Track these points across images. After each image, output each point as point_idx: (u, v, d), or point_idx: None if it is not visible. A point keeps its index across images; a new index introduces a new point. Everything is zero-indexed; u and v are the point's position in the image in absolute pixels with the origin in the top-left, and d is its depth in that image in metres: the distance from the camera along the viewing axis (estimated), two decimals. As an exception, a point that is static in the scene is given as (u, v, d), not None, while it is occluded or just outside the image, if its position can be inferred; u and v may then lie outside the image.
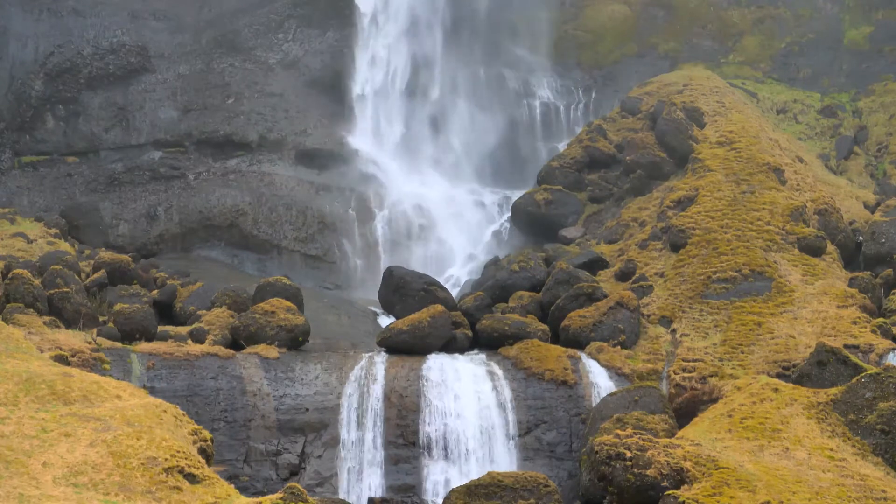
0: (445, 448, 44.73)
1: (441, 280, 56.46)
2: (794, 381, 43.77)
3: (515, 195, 66.45)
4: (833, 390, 41.35)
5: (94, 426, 33.34)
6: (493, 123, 73.79)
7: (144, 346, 45.51)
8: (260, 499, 32.21)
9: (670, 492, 36.00)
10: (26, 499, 29.36)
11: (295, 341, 47.56)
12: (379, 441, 44.87)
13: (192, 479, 31.93)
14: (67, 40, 68.95)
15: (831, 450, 38.87)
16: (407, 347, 47.76)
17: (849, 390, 40.72)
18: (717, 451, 38.28)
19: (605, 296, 50.78)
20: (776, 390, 42.00)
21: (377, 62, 73.49)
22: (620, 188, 63.06)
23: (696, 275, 52.31)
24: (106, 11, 70.11)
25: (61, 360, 41.24)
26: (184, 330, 47.90)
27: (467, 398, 45.58)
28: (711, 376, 46.57)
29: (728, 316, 49.87)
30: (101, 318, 47.75)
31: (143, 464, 31.68)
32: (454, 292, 56.80)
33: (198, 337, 47.02)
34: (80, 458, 31.65)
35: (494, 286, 53.76)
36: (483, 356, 48.12)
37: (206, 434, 36.29)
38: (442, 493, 43.08)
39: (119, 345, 45.17)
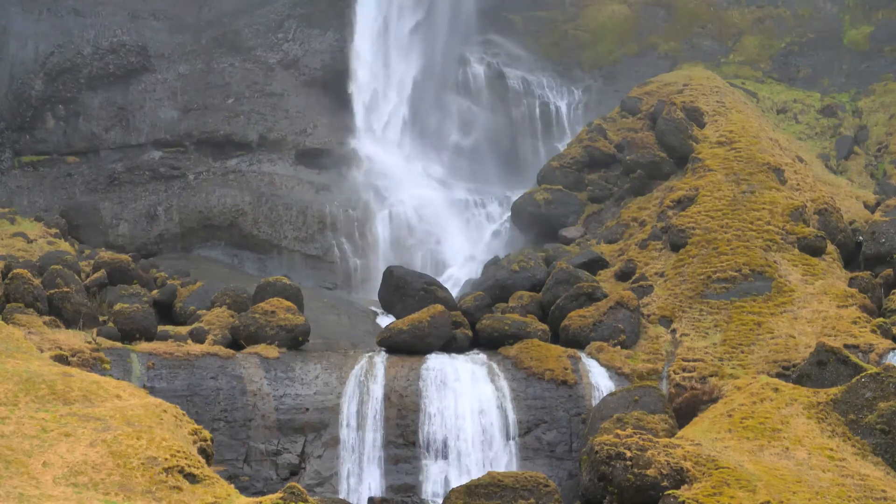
0: (445, 448, 44.71)
1: (441, 280, 56.46)
2: (794, 381, 43.76)
3: (515, 195, 66.41)
4: (833, 390, 41.33)
5: (94, 426, 33.33)
6: (493, 123, 73.80)
7: (144, 345, 45.48)
8: (260, 499, 32.20)
9: (670, 492, 36.00)
10: (26, 499, 29.35)
11: (295, 341, 47.55)
12: (379, 441, 44.85)
13: (192, 478, 31.93)
14: (67, 40, 68.91)
15: (831, 450, 38.86)
16: (407, 347, 47.74)
17: (849, 390, 40.71)
18: (717, 451, 38.27)
19: (605, 296, 50.77)
20: (776, 390, 41.99)
21: (377, 62, 73.46)
22: (620, 188, 63.00)
23: (696, 274, 52.29)
24: (106, 11, 70.09)
25: (61, 359, 41.21)
26: (184, 330, 47.88)
27: (467, 398, 45.56)
28: (711, 376, 46.56)
29: (728, 316, 49.85)
30: (101, 318, 47.73)
31: (143, 464, 31.68)
32: (454, 292, 56.78)
33: (198, 337, 47.01)
34: (80, 458, 31.64)
35: (494, 286, 53.74)
36: (483, 356, 48.09)
37: (206, 434, 36.27)
38: (442, 493, 43.09)
39: (119, 345, 45.15)
